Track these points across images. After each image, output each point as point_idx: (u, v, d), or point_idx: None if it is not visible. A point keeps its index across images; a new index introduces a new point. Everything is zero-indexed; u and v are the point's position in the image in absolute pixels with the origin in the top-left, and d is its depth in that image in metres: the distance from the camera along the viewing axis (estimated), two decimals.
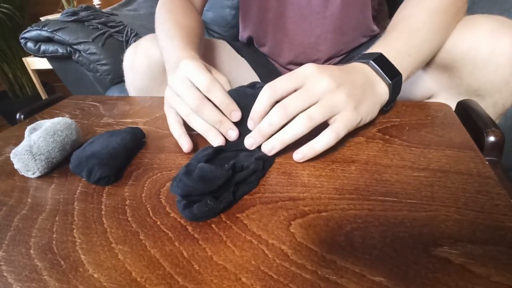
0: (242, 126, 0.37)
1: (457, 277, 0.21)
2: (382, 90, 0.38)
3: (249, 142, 0.36)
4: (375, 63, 0.38)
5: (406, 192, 0.29)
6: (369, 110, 0.37)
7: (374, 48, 0.41)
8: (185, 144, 0.39)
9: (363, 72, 0.38)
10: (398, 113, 0.43)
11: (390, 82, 0.38)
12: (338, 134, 0.34)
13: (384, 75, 0.38)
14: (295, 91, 0.34)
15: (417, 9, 0.45)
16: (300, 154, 0.34)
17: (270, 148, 0.35)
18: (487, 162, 0.32)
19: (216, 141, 0.37)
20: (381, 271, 0.22)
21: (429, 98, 0.53)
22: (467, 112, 0.40)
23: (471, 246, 0.23)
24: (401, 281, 0.21)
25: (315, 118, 0.33)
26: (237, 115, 0.37)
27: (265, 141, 0.35)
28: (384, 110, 0.41)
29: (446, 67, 0.47)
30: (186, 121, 0.40)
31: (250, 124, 0.36)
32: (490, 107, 0.46)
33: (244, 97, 0.39)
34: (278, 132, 0.34)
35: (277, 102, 0.35)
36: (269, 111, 0.35)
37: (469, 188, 0.29)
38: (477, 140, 0.36)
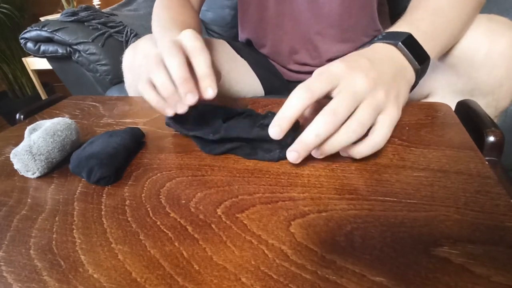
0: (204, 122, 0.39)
1: (457, 277, 0.21)
2: (410, 74, 0.36)
3: (293, 157, 0.32)
4: (404, 45, 0.35)
5: (406, 192, 0.29)
6: (405, 99, 0.35)
7: (399, 27, 0.38)
8: (169, 109, 0.37)
9: (392, 57, 0.36)
10: None
11: (419, 67, 0.36)
12: (386, 137, 0.31)
13: (414, 59, 0.35)
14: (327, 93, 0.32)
15: None
16: (346, 153, 0.33)
17: (318, 155, 0.33)
18: (487, 162, 0.32)
19: (179, 107, 0.36)
20: (381, 271, 0.22)
21: (426, 96, 0.53)
22: (467, 112, 0.40)
23: (471, 246, 0.23)
24: (401, 281, 0.21)
25: (366, 122, 0.30)
26: (210, 92, 0.35)
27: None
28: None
29: (444, 65, 0.47)
30: (150, 75, 0.37)
31: (274, 131, 0.31)
32: (483, 108, 0.46)
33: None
34: (330, 139, 0.31)
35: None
36: (298, 116, 0.31)
37: (469, 188, 0.29)
38: (477, 140, 0.36)
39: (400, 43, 0.35)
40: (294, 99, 0.31)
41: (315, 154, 0.33)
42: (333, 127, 0.30)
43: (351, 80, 0.31)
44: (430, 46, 0.38)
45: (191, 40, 0.37)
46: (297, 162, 0.32)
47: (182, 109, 0.36)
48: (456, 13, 0.42)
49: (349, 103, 0.30)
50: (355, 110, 0.31)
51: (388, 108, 0.32)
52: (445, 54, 0.46)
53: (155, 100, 0.37)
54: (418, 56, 0.36)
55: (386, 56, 0.36)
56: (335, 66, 0.32)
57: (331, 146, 0.31)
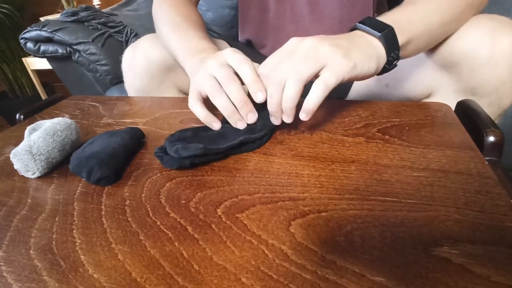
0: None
1: (457, 277, 0.21)
2: (375, 43, 0.39)
3: (274, 121, 0.39)
4: (361, 23, 0.40)
5: (406, 192, 0.29)
6: (363, 57, 0.37)
7: None
8: (216, 123, 0.41)
9: (351, 34, 0.40)
10: (398, 113, 0.43)
11: (379, 34, 0.38)
12: (326, 82, 0.35)
13: (371, 29, 0.38)
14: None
15: None
16: (303, 114, 0.37)
17: (286, 118, 0.38)
18: (486, 162, 0.32)
19: (239, 124, 0.40)
20: (381, 271, 0.22)
21: (428, 95, 0.53)
22: (467, 112, 0.40)
23: (471, 246, 0.23)
24: (401, 281, 0.21)
25: (302, 72, 0.35)
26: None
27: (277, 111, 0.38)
28: (387, 68, 0.41)
29: (446, 64, 0.47)
30: (211, 98, 0.40)
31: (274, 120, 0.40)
32: (486, 107, 0.46)
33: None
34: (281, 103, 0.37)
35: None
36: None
37: (469, 188, 0.29)
38: (477, 140, 0.36)
39: (357, 24, 0.40)
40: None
41: (286, 120, 0.38)
42: (279, 88, 0.36)
43: (299, 45, 0.37)
44: (404, 27, 0.40)
45: (233, 55, 0.40)
46: (278, 123, 0.39)
47: (242, 126, 0.40)
48: (439, 7, 0.43)
49: (290, 60, 0.36)
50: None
51: (332, 60, 0.35)
52: (447, 54, 0.46)
53: (204, 115, 0.41)
54: (376, 27, 0.39)
55: (345, 34, 0.40)
56: (288, 41, 0.38)
57: (284, 106, 0.36)
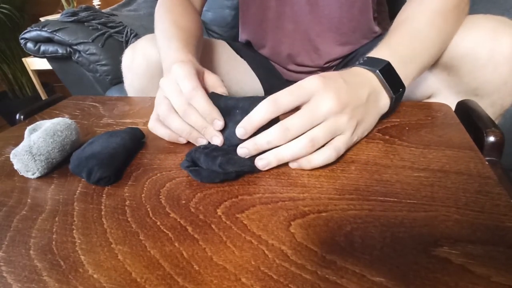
0: (225, 131, 0.37)
1: (457, 277, 0.21)
2: (384, 102, 0.38)
3: (243, 152, 0.34)
4: (381, 73, 0.37)
5: (406, 192, 0.29)
6: (367, 127, 0.37)
7: (378, 52, 0.40)
8: (181, 138, 0.40)
9: (369, 82, 0.37)
10: (398, 113, 0.43)
11: (394, 96, 0.37)
12: (339, 152, 0.33)
13: (389, 88, 0.37)
14: (297, 107, 0.33)
15: (419, 10, 0.45)
16: (296, 163, 0.33)
17: (265, 164, 0.33)
18: (487, 162, 0.32)
19: (200, 141, 0.38)
20: (381, 271, 0.22)
21: (429, 97, 0.53)
22: (467, 112, 0.40)
23: (471, 246, 0.23)
24: (401, 281, 0.21)
25: (317, 142, 0.32)
26: (219, 124, 0.36)
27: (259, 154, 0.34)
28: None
29: (446, 65, 0.47)
30: (164, 122, 0.40)
31: (240, 131, 0.34)
32: (489, 107, 0.46)
33: (226, 104, 0.37)
34: (277, 148, 0.33)
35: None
36: (265, 124, 0.33)
37: (469, 188, 0.29)
38: (477, 140, 0.36)
39: (378, 71, 0.37)
40: (261, 109, 0.33)
41: (260, 166, 0.33)
42: (283, 140, 0.32)
43: (320, 100, 0.32)
44: (408, 70, 0.39)
45: (180, 72, 0.38)
46: (246, 157, 0.34)
47: (203, 142, 0.38)
48: (436, 32, 0.43)
49: (307, 120, 0.32)
50: (314, 127, 0.32)
51: (346, 132, 0.33)
52: (447, 56, 0.46)
53: (167, 134, 0.41)
54: (394, 85, 0.37)
55: (363, 81, 0.37)
56: (311, 83, 0.33)
57: (279, 156, 0.33)
